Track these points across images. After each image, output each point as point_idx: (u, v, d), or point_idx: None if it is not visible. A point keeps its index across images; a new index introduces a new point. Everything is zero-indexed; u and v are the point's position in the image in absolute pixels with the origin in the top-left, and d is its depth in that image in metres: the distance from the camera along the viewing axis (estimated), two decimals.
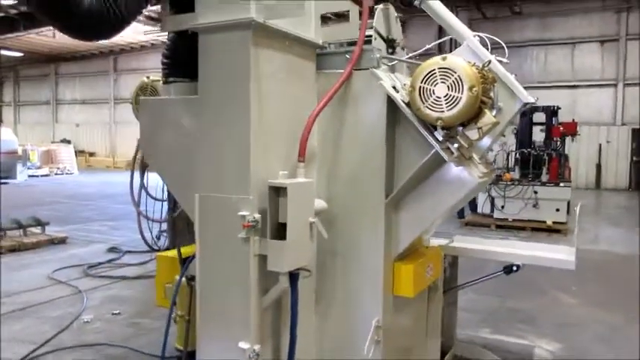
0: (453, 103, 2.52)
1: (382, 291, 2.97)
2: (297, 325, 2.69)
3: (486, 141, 3.16)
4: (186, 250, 3.22)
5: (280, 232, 2.55)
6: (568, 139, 12.54)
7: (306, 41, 2.87)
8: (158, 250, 5.27)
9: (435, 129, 2.66)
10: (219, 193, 2.60)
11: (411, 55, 3.35)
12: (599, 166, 20.12)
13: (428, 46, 3.48)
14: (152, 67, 25.40)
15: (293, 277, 2.62)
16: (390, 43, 3.35)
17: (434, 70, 2.56)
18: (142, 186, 4.28)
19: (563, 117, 13.36)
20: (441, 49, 6.47)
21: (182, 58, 2.84)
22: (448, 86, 2.52)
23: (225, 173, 2.61)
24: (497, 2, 20.03)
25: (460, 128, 2.69)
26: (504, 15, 20.59)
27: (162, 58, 2.94)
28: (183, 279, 3.08)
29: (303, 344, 2.82)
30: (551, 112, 12.20)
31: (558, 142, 11.71)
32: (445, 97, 2.53)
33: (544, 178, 10.69)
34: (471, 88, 2.49)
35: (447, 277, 3.97)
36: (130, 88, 14.19)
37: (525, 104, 3.01)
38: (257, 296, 2.59)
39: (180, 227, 3.52)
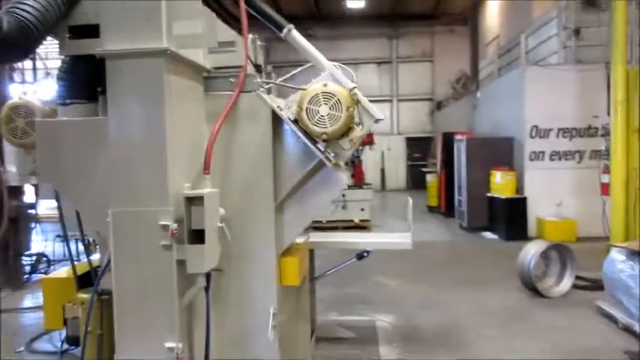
0: (335, 120, 3.14)
1: (276, 283, 3.44)
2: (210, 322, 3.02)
3: (350, 150, 3.86)
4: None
5: (194, 237, 2.85)
6: (367, 148, 14.37)
7: (197, 66, 3.21)
8: None
9: (317, 142, 3.26)
10: (135, 207, 2.79)
11: (280, 79, 3.90)
12: (383, 170, 23.21)
13: (293, 72, 4.06)
14: None
15: (207, 277, 2.95)
16: (258, 68, 3.86)
17: (318, 94, 3.15)
18: None
19: None
20: None
21: (81, 81, 2.93)
22: (330, 107, 3.14)
23: (141, 188, 2.80)
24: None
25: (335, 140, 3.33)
26: None
27: (58, 80, 2.97)
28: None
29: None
30: None
31: (359, 150, 13.40)
32: (328, 115, 3.14)
33: (350, 182, 12.15)
34: (348, 109, 3.15)
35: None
36: None
37: (377, 120, 3.79)
38: (178, 298, 2.85)
39: None
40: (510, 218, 10.24)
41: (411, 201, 4.58)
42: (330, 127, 3.16)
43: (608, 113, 6.65)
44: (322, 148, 3.27)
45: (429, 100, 23.36)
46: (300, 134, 3.25)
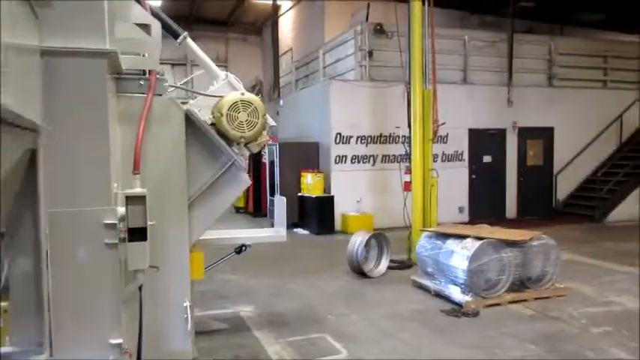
0: (252, 125, 3.54)
1: (188, 277, 3.65)
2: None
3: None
4: None
5: (131, 235, 2.96)
6: None
7: (119, 67, 3.27)
8: None
9: (231, 145, 3.60)
10: (75, 207, 2.79)
11: (175, 87, 4.06)
12: None
13: (185, 80, 4.25)
14: None
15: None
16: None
17: (237, 102, 3.50)
18: None
19: None
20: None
21: None
22: (248, 114, 3.52)
23: (82, 188, 2.80)
24: None
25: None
26: None
27: None
28: None
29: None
30: None
31: None
32: (246, 121, 3.52)
33: None
34: (263, 115, 3.57)
35: None
36: None
37: (271, 126, 4.25)
38: (120, 295, 2.92)
39: None
40: (320, 215, 11.46)
41: (284, 199, 5.11)
42: (248, 131, 3.54)
43: (409, 125, 8.16)
44: (237, 151, 3.62)
45: None
46: (217, 138, 3.54)
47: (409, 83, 8.11)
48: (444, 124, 8.25)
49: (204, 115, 3.70)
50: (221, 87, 4.02)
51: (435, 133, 8.02)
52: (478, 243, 5.92)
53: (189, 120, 3.54)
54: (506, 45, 13.13)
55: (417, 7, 7.88)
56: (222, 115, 3.48)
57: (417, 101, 7.97)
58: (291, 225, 12.20)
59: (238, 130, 3.51)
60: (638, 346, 4.76)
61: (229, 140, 3.59)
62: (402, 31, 9.06)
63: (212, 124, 3.55)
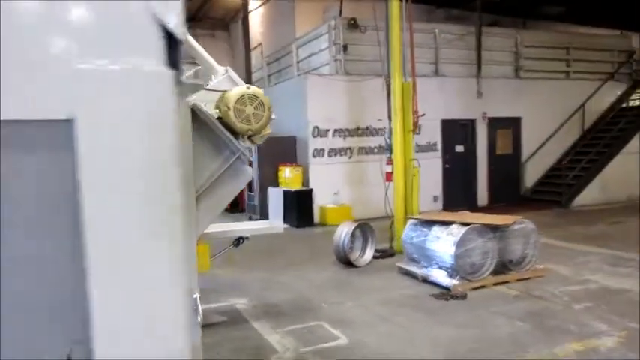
0: (259, 118, 3.63)
1: (196, 269, 3.73)
2: None
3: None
4: None
5: None
6: None
7: None
8: None
9: (237, 138, 3.68)
10: None
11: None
12: None
13: (188, 73, 4.30)
14: None
15: None
16: None
17: (243, 95, 3.59)
18: None
19: None
20: None
21: None
22: (254, 107, 3.62)
23: None
24: None
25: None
26: None
27: None
28: None
29: None
30: None
31: None
32: (253, 114, 3.61)
33: None
34: (269, 108, 3.67)
35: None
36: None
37: (272, 119, 4.33)
38: None
39: None
40: (299, 208, 11.57)
41: (281, 192, 5.20)
42: (255, 124, 3.63)
43: (389, 117, 8.36)
44: (243, 144, 3.71)
45: None
46: (225, 131, 3.62)
47: (389, 76, 8.30)
48: (423, 115, 8.50)
49: (208, 110, 3.77)
50: (221, 81, 4.09)
51: (415, 124, 8.24)
52: (464, 229, 6.16)
53: (194, 114, 3.61)
54: (474, 38, 13.50)
55: (395, 2, 8.07)
56: (229, 108, 3.56)
57: (397, 93, 8.17)
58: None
59: (245, 124, 3.60)
60: (617, 319, 5.09)
61: (235, 134, 3.67)
62: (378, 25, 9.27)
63: (218, 118, 3.62)
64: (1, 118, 1.29)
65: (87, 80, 1.33)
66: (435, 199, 12.98)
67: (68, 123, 1.33)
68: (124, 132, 1.40)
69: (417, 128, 8.43)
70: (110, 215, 1.46)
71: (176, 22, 1.44)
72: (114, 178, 1.42)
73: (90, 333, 1.49)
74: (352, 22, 12.03)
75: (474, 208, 12.55)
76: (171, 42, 1.46)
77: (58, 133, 1.34)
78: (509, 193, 13.97)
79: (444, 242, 6.31)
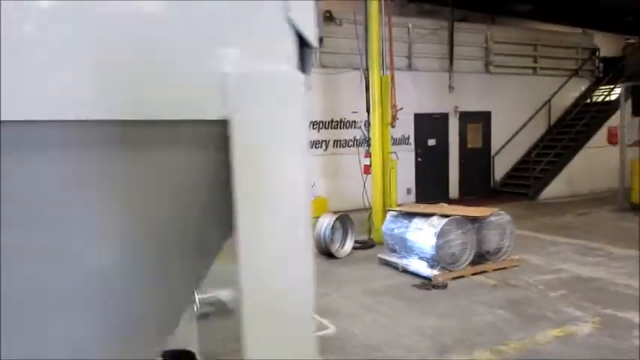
0: None
1: None
2: None
3: None
4: None
5: None
6: None
7: None
8: None
9: None
10: None
11: None
12: None
13: None
14: None
15: None
16: None
17: None
18: None
19: None
20: None
21: None
22: None
23: None
24: None
25: None
26: None
27: None
28: None
29: None
30: None
31: None
32: None
33: None
34: None
35: None
36: None
37: None
38: None
39: None
40: None
41: None
42: None
43: (367, 110, 8.45)
44: None
45: None
46: None
47: (367, 69, 8.38)
48: (402, 109, 8.62)
49: None
50: None
51: (393, 117, 8.36)
52: (444, 220, 6.32)
53: None
54: (446, 33, 13.73)
55: None
56: None
57: (375, 87, 8.26)
58: None
59: None
60: (590, 305, 5.34)
61: None
62: (354, 19, 9.34)
63: None
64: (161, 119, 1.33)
65: (240, 84, 1.36)
66: (409, 191, 13.19)
67: (223, 123, 1.36)
68: (275, 132, 1.44)
69: (394, 121, 8.54)
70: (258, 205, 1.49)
71: (310, 27, 1.49)
72: (262, 174, 1.44)
73: None
74: (328, 14, 12.05)
75: (445, 200, 12.81)
76: (303, 46, 1.52)
77: (214, 133, 1.37)
78: (479, 186, 14.32)
79: (424, 233, 6.45)
